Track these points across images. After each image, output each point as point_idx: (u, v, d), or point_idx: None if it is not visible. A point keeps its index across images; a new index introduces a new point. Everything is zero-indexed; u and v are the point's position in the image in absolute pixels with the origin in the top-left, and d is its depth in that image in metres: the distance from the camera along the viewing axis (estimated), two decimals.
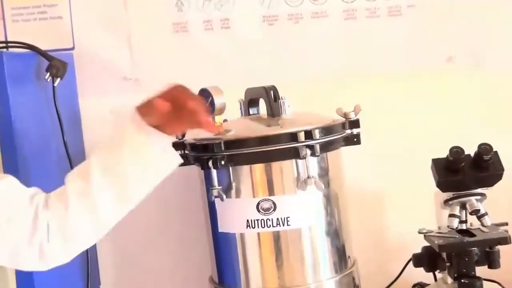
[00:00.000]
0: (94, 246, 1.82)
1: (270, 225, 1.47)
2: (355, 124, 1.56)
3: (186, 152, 1.56)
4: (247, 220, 1.48)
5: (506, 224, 1.63)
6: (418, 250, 1.64)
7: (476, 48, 1.92)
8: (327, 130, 1.50)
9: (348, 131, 1.56)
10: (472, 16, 1.91)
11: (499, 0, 1.92)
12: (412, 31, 1.91)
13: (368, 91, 1.87)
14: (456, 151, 1.48)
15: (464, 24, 1.91)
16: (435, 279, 1.69)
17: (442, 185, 1.53)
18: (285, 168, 1.48)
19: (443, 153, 1.57)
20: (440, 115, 1.91)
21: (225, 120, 1.59)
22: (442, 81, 1.91)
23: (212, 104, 1.51)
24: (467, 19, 1.90)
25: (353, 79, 1.88)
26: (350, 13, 1.89)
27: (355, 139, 1.56)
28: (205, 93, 1.53)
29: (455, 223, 1.55)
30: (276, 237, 1.50)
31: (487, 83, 1.92)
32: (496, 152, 1.51)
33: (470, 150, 1.56)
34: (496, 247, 1.58)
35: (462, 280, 1.55)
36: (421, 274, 1.67)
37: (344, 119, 1.56)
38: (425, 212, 1.69)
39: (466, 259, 1.56)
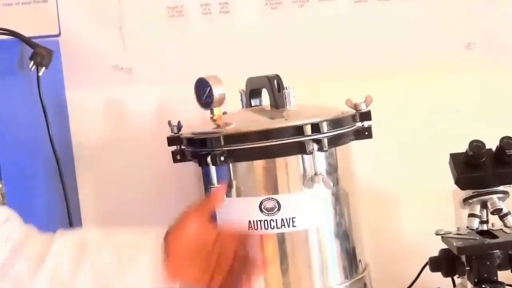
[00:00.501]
0: None
1: (274, 226, 1.42)
2: (367, 116, 1.51)
3: (183, 147, 1.52)
4: (249, 221, 1.42)
5: None
6: (435, 253, 1.58)
7: (499, 33, 1.84)
8: (335, 122, 1.45)
9: (359, 124, 1.52)
10: None
11: None
12: (427, 15, 1.83)
13: (380, 80, 1.80)
14: (477, 145, 1.44)
15: (485, 6, 1.82)
16: (454, 285, 1.64)
17: (461, 182, 1.49)
18: (290, 165, 1.43)
19: (463, 148, 1.51)
20: (458, 108, 1.84)
21: (224, 113, 1.55)
22: (460, 71, 1.84)
23: (210, 94, 1.49)
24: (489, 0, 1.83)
25: (364, 69, 1.82)
26: None
27: (366, 133, 1.52)
28: (202, 83, 1.51)
29: (476, 223, 1.50)
30: (281, 239, 1.44)
31: (509, 73, 1.85)
32: None
33: (492, 144, 1.50)
34: None
35: (483, 286, 1.49)
36: (438, 279, 1.61)
37: (354, 111, 1.51)
38: (443, 212, 1.63)
39: (488, 262, 1.50)
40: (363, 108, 1.51)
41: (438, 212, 1.70)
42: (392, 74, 1.83)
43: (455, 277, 1.61)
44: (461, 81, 1.85)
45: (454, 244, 1.50)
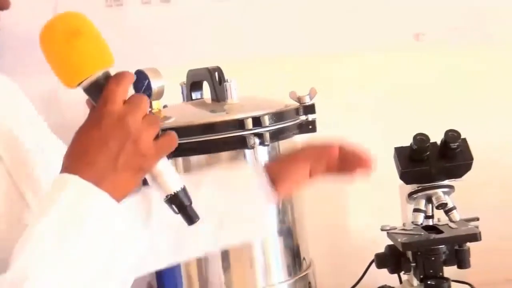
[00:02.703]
0: None
1: None
2: (311, 109, 1.48)
3: None
4: None
5: (477, 219, 1.59)
6: (383, 249, 1.59)
7: (447, 24, 1.86)
8: (278, 116, 1.42)
9: (303, 117, 1.48)
10: None
11: None
12: (377, 4, 1.85)
13: (326, 70, 1.81)
14: (421, 139, 1.45)
15: None
16: (400, 281, 1.63)
17: (406, 177, 1.50)
18: (232, 159, 1.41)
19: (409, 141, 1.51)
20: (404, 101, 1.86)
21: (164, 106, 1.51)
22: (409, 61, 1.86)
23: (148, 87, 1.42)
24: None
25: (312, 58, 1.82)
26: None
27: (310, 127, 1.48)
28: (141, 76, 1.43)
29: (421, 218, 1.51)
30: None
31: (458, 62, 1.88)
32: (464, 139, 1.48)
33: (437, 138, 1.51)
34: (466, 244, 1.54)
35: (429, 282, 1.51)
36: (386, 276, 1.61)
37: (298, 104, 1.48)
38: (390, 207, 1.64)
39: (433, 258, 1.51)
40: (307, 101, 1.47)
41: (386, 208, 1.70)
42: (338, 64, 1.83)
43: (402, 274, 1.61)
44: (410, 71, 1.86)
45: (399, 240, 1.51)
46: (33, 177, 0.92)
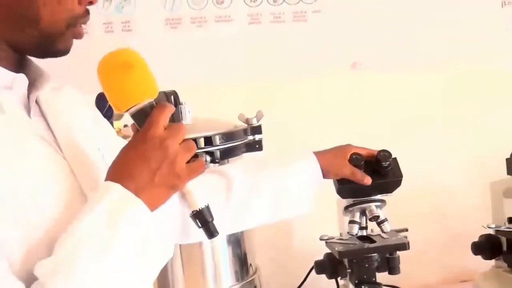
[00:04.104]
0: None
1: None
2: (257, 130, 1.57)
3: None
4: None
5: (406, 230, 1.66)
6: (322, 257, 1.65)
7: (380, 53, 1.96)
8: (228, 136, 1.51)
9: (250, 137, 1.57)
10: (377, 21, 1.96)
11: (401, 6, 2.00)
12: (318, 37, 1.93)
13: (273, 95, 1.90)
14: (356, 157, 1.46)
15: (370, 29, 1.95)
16: (337, 286, 1.70)
17: (342, 192, 1.51)
18: None
19: None
20: (344, 119, 1.95)
21: (125, 126, 1.58)
22: (347, 86, 1.95)
23: (110, 109, 1.48)
24: (372, 24, 1.95)
25: (258, 84, 1.90)
26: (254, 17, 1.90)
27: (257, 146, 1.57)
28: (103, 98, 1.49)
29: (355, 229, 1.53)
30: (176, 245, 1.47)
31: (390, 88, 1.99)
32: (395, 158, 1.50)
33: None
34: (396, 253, 1.60)
35: (363, 287, 1.57)
36: (325, 281, 1.67)
37: (246, 125, 1.57)
38: (328, 219, 1.70)
39: (366, 265, 1.57)
40: (254, 122, 1.57)
41: (326, 219, 1.73)
42: (282, 90, 1.93)
43: (339, 279, 1.68)
44: (347, 95, 1.96)
45: (336, 248, 1.57)
46: (93, 177, 0.98)
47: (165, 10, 1.86)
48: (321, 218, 1.75)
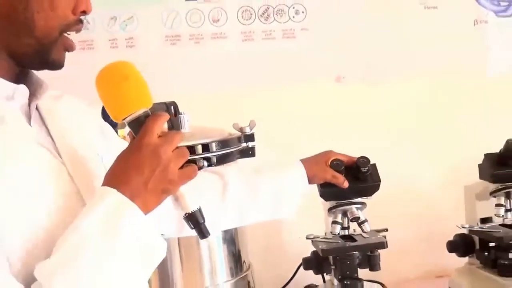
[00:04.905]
0: None
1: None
2: (250, 138, 1.64)
3: None
4: None
5: (386, 230, 1.73)
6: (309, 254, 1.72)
7: (361, 68, 2.05)
8: (223, 143, 1.57)
9: (244, 144, 1.63)
10: (358, 39, 2.05)
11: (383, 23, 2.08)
12: (305, 52, 2.02)
13: (264, 105, 1.98)
14: (336, 163, 1.52)
15: (352, 46, 2.04)
16: (324, 281, 1.78)
17: (325, 195, 1.58)
18: None
19: None
20: (327, 128, 2.02)
21: (129, 133, 1.63)
22: (331, 98, 2.03)
23: None
24: (354, 42, 2.04)
25: (251, 95, 1.98)
26: (247, 34, 1.99)
27: (250, 152, 1.64)
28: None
29: (337, 229, 1.60)
30: (174, 243, 1.56)
31: (370, 100, 2.07)
32: (374, 164, 1.57)
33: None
34: (377, 251, 1.66)
35: (345, 282, 1.64)
36: (313, 276, 1.74)
37: (240, 133, 1.63)
38: (317, 219, 1.74)
39: (348, 262, 1.64)
40: (247, 131, 1.63)
41: (314, 220, 1.76)
42: (273, 98, 2.02)
43: (325, 274, 1.75)
44: (332, 107, 2.03)
45: (320, 246, 1.64)
46: (91, 181, 1.01)
47: (165, 28, 1.95)
48: (309, 218, 1.77)
